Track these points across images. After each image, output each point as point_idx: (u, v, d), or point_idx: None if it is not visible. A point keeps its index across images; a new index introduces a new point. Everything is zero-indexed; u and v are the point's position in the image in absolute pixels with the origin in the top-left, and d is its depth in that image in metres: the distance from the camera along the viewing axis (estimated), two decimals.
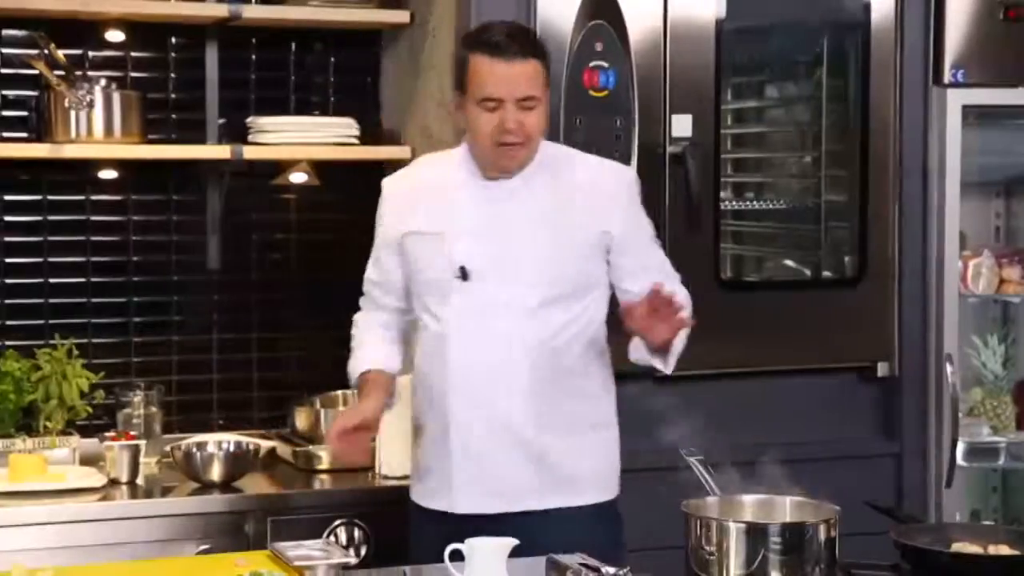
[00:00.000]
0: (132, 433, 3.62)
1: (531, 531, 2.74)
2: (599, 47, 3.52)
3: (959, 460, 3.88)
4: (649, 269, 3.00)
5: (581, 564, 2.50)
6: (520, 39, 2.90)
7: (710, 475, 2.77)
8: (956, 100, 3.83)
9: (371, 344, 3.15)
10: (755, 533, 2.39)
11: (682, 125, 3.63)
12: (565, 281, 2.97)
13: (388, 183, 3.14)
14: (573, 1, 3.50)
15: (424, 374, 3.03)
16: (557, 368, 2.96)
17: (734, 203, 3.94)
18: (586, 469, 2.98)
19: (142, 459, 3.55)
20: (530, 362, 2.94)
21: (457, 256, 2.95)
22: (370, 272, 3.17)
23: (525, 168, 2.96)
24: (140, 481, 3.52)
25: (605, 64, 3.53)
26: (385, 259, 3.10)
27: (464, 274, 2.94)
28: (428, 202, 3.02)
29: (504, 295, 2.93)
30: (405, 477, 3.56)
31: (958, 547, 2.56)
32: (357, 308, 4.08)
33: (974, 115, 3.91)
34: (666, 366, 2.97)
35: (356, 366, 3.14)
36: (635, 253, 3.02)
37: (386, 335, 3.16)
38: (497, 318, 2.93)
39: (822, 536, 2.40)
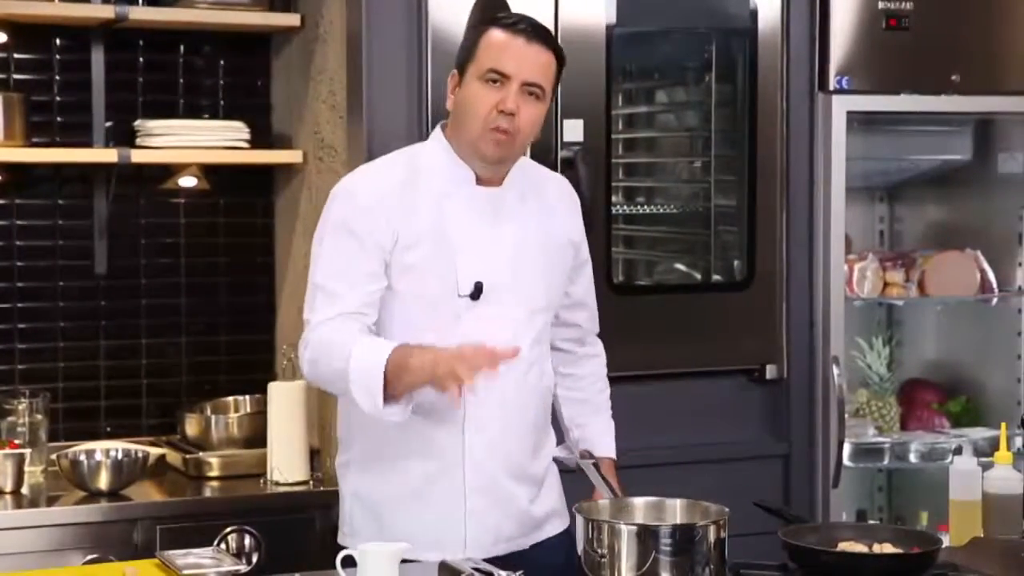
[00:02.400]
0: (16, 442, 3.55)
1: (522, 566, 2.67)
2: None
3: (845, 460, 3.94)
4: (587, 305, 2.97)
5: (474, 568, 2.50)
6: (542, 31, 2.73)
7: (602, 478, 2.79)
8: (841, 106, 3.90)
9: (369, 336, 2.65)
10: (646, 535, 2.41)
11: (573, 130, 3.65)
12: (554, 304, 2.86)
13: (362, 182, 2.75)
14: (465, 5, 3.50)
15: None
16: (546, 402, 2.88)
17: (625, 208, 3.98)
18: (556, 501, 2.91)
19: (27, 468, 3.50)
20: (538, 394, 2.83)
21: (470, 271, 2.70)
22: (342, 287, 2.66)
23: (510, 174, 2.77)
24: (25, 490, 3.46)
25: None
26: (367, 268, 2.67)
27: (478, 292, 2.69)
28: (424, 207, 2.70)
29: (515, 316, 2.72)
30: (296, 484, 3.55)
31: (844, 546, 2.59)
32: (248, 312, 4.08)
33: (858, 121, 3.98)
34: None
35: (377, 348, 2.57)
36: (586, 272, 2.95)
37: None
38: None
39: (712, 537, 2.42)
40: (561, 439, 2.99)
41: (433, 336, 2.64)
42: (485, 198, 2.75)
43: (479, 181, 2.76)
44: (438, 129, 2.80)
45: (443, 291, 2.70)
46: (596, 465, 2.83)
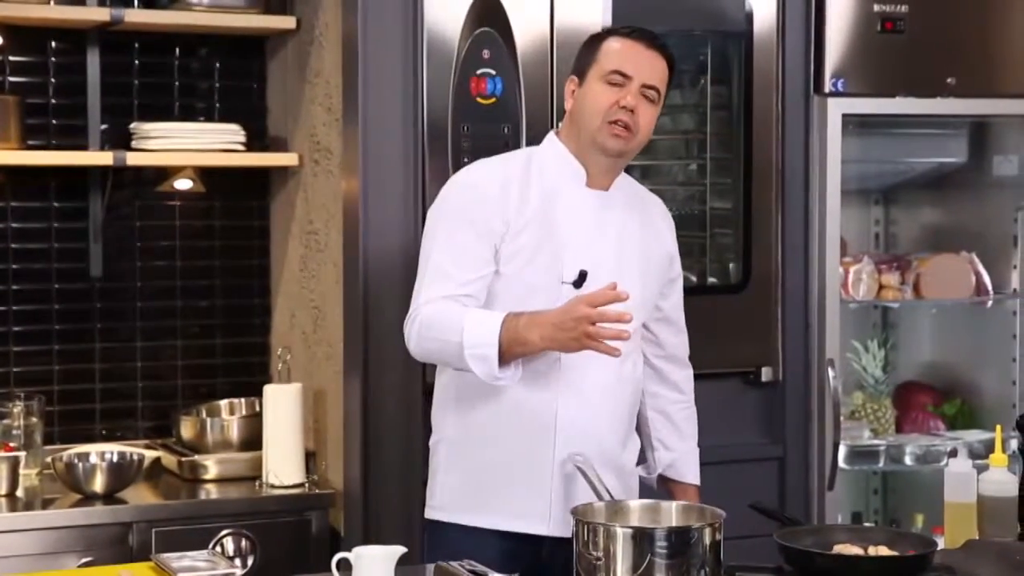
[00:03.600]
0: (11, 444, 3.55)
1: None
2: (486, 54, 3.53)
3: (841, 463, 3.94)
4: (674, 323, 3.10)
5: (469, 570, 2.50)
6: (658, 39, 2.92)
7: (598, 480, 2.79)
8: (836, 109, 3.90)
9: (477, 310, 2.79)
10: (641, 538, 2.41)
11: None
12: (648, 307, 2.98)
13: (479, 174, 2.92)
14: (460, 8, 3.51)
15: (505, 389, 2.82)
16: (637, 394, 3.00)
17: None
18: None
19: (22, 471, 3.50)
20: (632, 384, 2.95)
21: (575, 259, 2.85)
22: (454, 269, 2.82)
23: (616, 183, 2.94)
24: (20, 493, 3.46)
25: (492, 72, 3.54)
26: (480, 253, 2.82)
27: (581, 280, 2.83)
28: (535, 198, 2.87)
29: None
30: (292, 487, 3.55)
31: (839, 549, 2.59)
32: (243, 315, 4.08)
33: (854, 124, 3.98)
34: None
35: (488, 321, 2.73)
36: (677, 287, 3.10)
37: None
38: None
39: (707, 540, 2.42)
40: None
41: None
42: (593, 196, 2.92)
43: (589, 184, 2.91)
44: (552, 134, 2.98)
45: (548, 277, 2.84)
46: (591, 466, 2.82)
